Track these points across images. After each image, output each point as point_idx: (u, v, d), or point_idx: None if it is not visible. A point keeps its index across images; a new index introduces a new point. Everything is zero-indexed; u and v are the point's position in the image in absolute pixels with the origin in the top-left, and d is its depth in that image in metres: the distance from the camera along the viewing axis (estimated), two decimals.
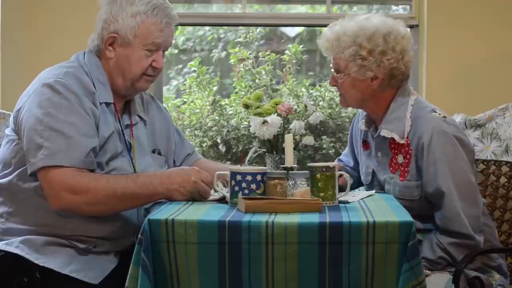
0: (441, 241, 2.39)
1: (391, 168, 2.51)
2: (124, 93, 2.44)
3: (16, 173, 2.31)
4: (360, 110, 2.71)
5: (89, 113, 2.28)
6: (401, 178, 2.47)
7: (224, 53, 5.47)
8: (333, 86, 2.57)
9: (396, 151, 2.50)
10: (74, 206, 2.20)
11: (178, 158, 2.67)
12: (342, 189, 2.30)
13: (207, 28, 5.47)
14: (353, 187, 2.72)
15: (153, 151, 2.54)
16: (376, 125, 2.57)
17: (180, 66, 5.89)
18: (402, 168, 2.47)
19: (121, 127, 2.41)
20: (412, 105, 2.50)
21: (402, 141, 2.46)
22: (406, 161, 2.46)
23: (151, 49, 2.38)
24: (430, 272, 2.37)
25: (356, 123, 2.74)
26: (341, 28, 2.50)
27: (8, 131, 2.38)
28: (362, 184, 2.78)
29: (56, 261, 2.24)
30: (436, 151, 2.38)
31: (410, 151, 2.44)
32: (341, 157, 2.88)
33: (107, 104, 2.38)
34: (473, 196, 2.42)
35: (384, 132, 2.49)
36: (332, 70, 2.55)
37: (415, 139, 2.43)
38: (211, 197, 2.32)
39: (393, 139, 2.48)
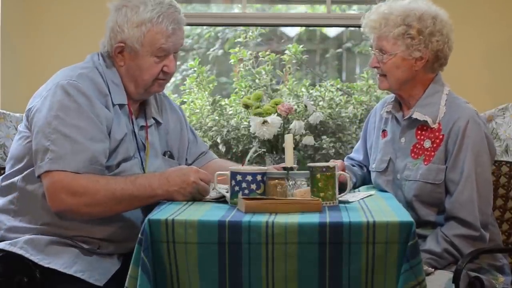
0: (446, 233, 2.42)
1: (412, 154, 2.54)
2: (138, 98, 2.45)
3: (26, 172, 2.32)
4: (382, 100, 2.76)
5: (101, 116, 2.27)
6: (425, 163, 2.49)
7: (221, 51, 5.47)
8: (374, 67, 2.58)
9: (422, 137, 2.53)
10: (73, 208, 2.20)
11: (190, 156, 2.66)
12: (342, 188, 2.30)
13: (204, 26, 5.48)
14: (356, 186, 2.73)
15: (164, 154, 2.54)
16: (404, 112, 2.60)
17: (177, 63, 5.89)
18: (428, 153, 2.50)
19: (133, 129, 2.41)
20: (446, 94, 2.55)
21: (434, 126, 2.50)
22: (435, 145, 2.49)
23: (160, 55, 2.37)
24: (433, 269, 2.37)
25: (373, 114, 2.77)
26: (388, 9, 2.53)
27: (21, 127, 2.39)
28: (366, 182, 2.80)
29: (61, 261, 2.25)
30: (469, 137, 2.44)
31: (441, 136, 2.48)
32: (351, 154, 2.90)
33: (121, 105, 2.38)
34: (488, 193, 2.48)
35: (417, 115, 2.52)
36: (374, 51, 2.56)
37: (450, 123, 2.47)
38: (210, 195, 2.31)
39: (421, 124, 2.52)
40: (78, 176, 2.19)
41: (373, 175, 2.69)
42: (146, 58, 2.36)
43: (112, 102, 2.35)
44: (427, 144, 2.51)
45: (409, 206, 2.50)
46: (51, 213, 2.26)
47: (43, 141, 2.21)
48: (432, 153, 2.49)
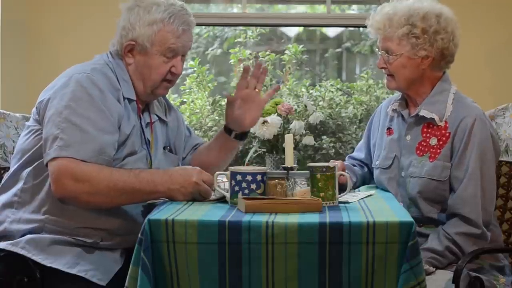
0: (448, 231, 2.42)
1: (418, 152, 2.55)
2: (144, 99, 2.47)
3: (33, 165, 2.32)
4: (388, 98, 2.79)
5: (112, 110, 2.30)
6: (430, 160, 2.51)
7: (220, 51, 5.47)
8: (382, 68, 2.60)
9: (428, 134, 2.54)
10: (75, 194, 2.20)
11: (185, 149, 2.69)
12: (342, 188, 2.31)
13: (204, 26, 5.48)
14: (356, 186, 2.73)
15: (164, 148, 2.56)
16: (410, 110, 2.62)
17: None
18: (433, 150, 2.51)
19: (141, 124, 2.44)
20: (454, 93, 2.56)
21: (440, 123, 2.51)
22: (441, 143, 2.50)
23: (168, 55, 2.40)
24: (434, 269, 2.38)
25: (377, 113, 2.79)
26: (392, 9, 2.55)
27: (29, 122, 2.40)
28: (366, 182, 2.81)
29: (63, 260, 2.24)
30: (476, 135, 2.45)
31: (447, 134, 2.50)
32: (353, 153, 2.91)
33: (130, 100, 2.41)
34: (492, 191, 2.49)
35: (424, 112, 2.53)
36: (380, 52, 2.58)
37: (456, 121, 2.49)
38: (211, 197, 2.32)
39: (427, 122, 2.54)
40: (83, 163, 2.20)
41: (376, 171, 2.70)
42: (155, 57, 2.40)
43: (123, 96, 2.38)
44: (433, 141, 2.52)
45: (412, 202, 2.52)
46: (54, 202, 2.27)
47: (53, 130, 2.23)
48: (438, 151, 2.50)
